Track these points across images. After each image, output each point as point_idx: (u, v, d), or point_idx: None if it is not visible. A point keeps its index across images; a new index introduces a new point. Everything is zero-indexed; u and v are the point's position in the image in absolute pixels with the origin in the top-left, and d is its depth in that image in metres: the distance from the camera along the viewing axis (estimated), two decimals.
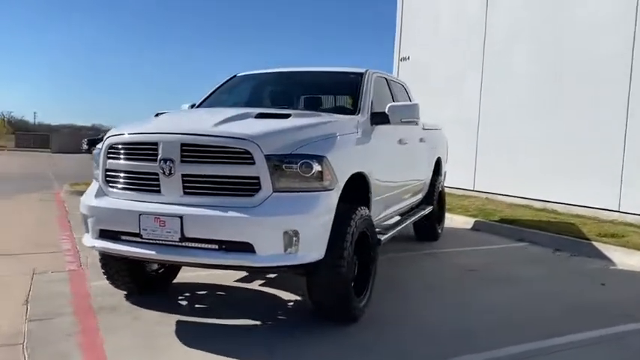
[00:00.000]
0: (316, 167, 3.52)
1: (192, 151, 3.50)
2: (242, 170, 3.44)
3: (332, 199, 3.64)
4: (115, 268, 4.32)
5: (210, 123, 3.62)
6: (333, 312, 3.89)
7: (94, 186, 3.99)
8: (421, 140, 6.36)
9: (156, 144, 3.57)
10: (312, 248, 3.52)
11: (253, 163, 3.41)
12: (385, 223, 5.47)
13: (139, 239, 3.59)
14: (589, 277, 5.70)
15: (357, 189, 4.34)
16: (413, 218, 6.07)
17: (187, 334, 3.76)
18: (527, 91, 10.27)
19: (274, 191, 3.44)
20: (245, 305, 4.46)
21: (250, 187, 3.44)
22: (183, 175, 3.52)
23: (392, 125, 5.00)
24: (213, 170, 3.48)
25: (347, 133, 4.15)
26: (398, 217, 6.10)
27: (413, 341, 3.72)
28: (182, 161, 3.51)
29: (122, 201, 3.73)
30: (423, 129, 6.68)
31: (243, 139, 3.43)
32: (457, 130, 11.80)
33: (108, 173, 3.83)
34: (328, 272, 3.68)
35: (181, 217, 3.43)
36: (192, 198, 3.52)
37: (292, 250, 3.43)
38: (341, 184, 3.74)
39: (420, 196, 6.65)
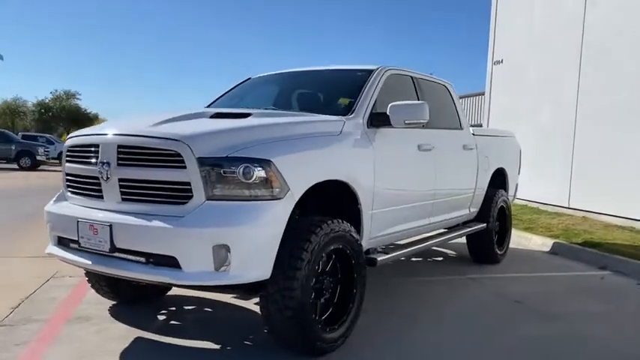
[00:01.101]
0: (258, 173, 3.04)
1: (128, 153, 3.20)
2: (174, 175, 3.06)
3: (280, 209, 3.12)
4: (95, 276, 4.16)
5: (150, 123, 3.30)
6: (290, 342, 3.35)
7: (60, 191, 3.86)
8: (465, 147, 5.54)
9: (98, 146, 3.33)
10: (251, 266, 3.04)
11: (184, 167, 3.02)
12: (405, 240, 4.78)
13: (78, 247, 3.37)
14: None
15: (341, 199, 3.79)
16: (437, 239, 5.26)
17: (133, 354, 3.47)
18: (631, 94, 8.76)
19: (208, 199, 3.01)
20: (221, 325, 4.07)
21: (182, 193, 3.05)
22: (120, 180, 3.22)
23: (409, 129, 4.37)
24: (148, 175, 3.14)
25: (320, 135, 3.61)
26: (432, 233, 5.36)
27: None
28: (118, 164, 3.22)
29: (70, 206, 3.54)
30: (473, 135, 5.85)
31: (174, 139, 3.05)
32: (551, 137, 10.51)
33: (67, 177, 3.67)
34: (278, 295, 3.17)
35: (111, 226, 3.13)
36: (129, 205, 3.21)
37: (225, 268, 2.97)
38: (296, 193, 3.21)
39: (466, 212, 5.80)
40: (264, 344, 3.63)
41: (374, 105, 4.17)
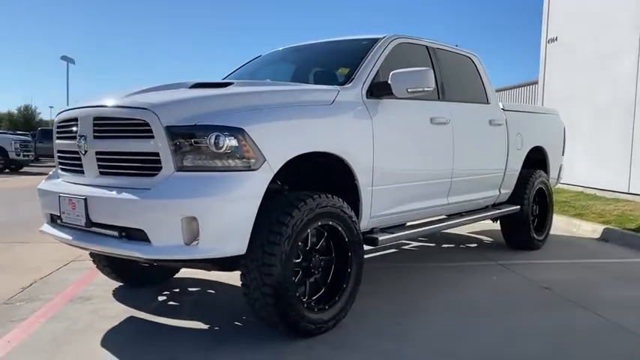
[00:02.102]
0: (229, 142, 2.86)
1: (102, 125, 3.12)
2: (143, 145, 2.95)
3: (255, 181, 2.93)
4: (97, 256, 4.13)
5: (125, 94, 3.20)
6: (272, 320, 3.15)
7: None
8: (492, 123, 5.12)
9: (77, 119, 3.28)
10: (224, 240, 2.87)
11: (152, 137, 2.89)
12: (416, 221, 4.47)
13: (60, 222, 3.33)
14: None
15: (338, 173, 3.56)
16: (454, 221, 4.87)
17: (117, 332, 3.40)
18: None
19: (177, 170, 2.88)
20: (218, 307, 3.95)
21: (153, 165, 2.93)
22: (96, 153, 3.15)
23: (420, 100, 4.10)
24: (121, 146, 3.05)
25: (307, 104, 3.37)
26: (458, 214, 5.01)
27: None
28: (94, 137, 3.15)
29: (58, 183, 3.51)
30: (503, 110, 5.43)
31: (142, 108, 2.94)
32: (609, 119, 9.74)
33: (57, 154, 3.65)
34: (257, 272, 2.99)
35: (85, 199, 3.07)
36: (106, 179, 3.14)
37: (196, 242, 2.82)
38: (274, 165, 3.01)
39: (496, 193, 5.38)
40: (255, 325, 3.47)
41: (376, 75, 3.90)
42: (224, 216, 2.85)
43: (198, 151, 2.87)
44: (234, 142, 2.87)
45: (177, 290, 4.35)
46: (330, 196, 3.31)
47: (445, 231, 6.83)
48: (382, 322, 3.56)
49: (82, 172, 3.29)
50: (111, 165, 3.10)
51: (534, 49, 12.50)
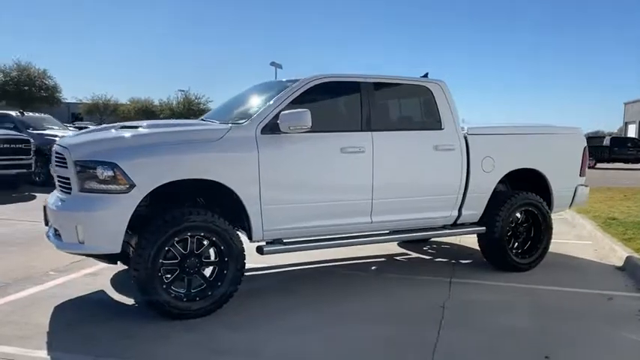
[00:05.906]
0: (108, 172, 4.09)
1: (56, 156, 4.60)
2: (65, 172, 4.35)
3: (125, 200, 4.10)
4: None
5: (75, 134, 4.65)
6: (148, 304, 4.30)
7: None
8: (438, 148, 5.34)
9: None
10: (102, 242, 4.13)
11: (66, 167, 4.27)
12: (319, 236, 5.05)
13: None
14: None
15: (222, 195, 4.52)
16: (358, 239, 5.31)
17: (81, 299, 4.88)
18: None
19: (79, 191, 4.21)
20: None
21: (69, 186, 4.31)
22: (57, 176, 4.65)
23: (333, 132, 4.82)
24: (60, 172, 4.50)
25: (191, 141, 4.38)
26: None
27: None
28: (55, 165, 4.65)
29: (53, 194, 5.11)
30: (468, 134, 5.61)
31: (64, 147, 4.34)
32: None
33: None
34: (133, 266, 4.21)
35: (44, 207, 4.59)
36: (59, 193, 4.62)
37: (82, 242, 4.12)
38: (144, 189, 4.13)
39: (448, 213, 5.55)
40: None
41: (277, 114, 4.67)
42: (100, 225, 4.10)
43: (91, 178, 4.15)
44: (110, 173, 4.09)
45: None
46: (202, 212, 4.31)
47: (458, 244, 7.12)
48: (248, 316, 4.43)
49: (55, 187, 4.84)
50: (59, 184, 4.57)
51: None
